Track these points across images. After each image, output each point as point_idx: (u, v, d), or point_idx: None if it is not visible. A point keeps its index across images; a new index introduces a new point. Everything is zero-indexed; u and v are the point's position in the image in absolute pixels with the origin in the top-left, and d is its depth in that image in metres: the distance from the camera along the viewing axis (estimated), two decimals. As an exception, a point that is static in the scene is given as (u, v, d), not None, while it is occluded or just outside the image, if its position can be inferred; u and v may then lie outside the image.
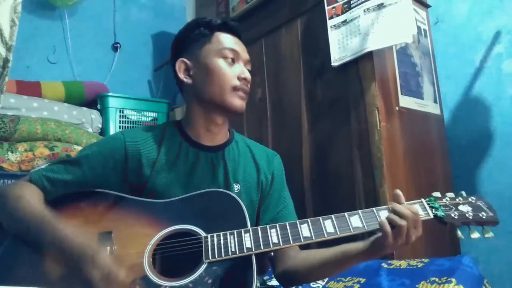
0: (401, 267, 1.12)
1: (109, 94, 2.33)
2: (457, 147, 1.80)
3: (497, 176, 1.68)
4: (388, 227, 0.78)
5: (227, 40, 0.98)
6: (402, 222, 0.78)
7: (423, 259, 1.13)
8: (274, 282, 1.23)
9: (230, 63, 0.97)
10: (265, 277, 1.26)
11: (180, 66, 0.99)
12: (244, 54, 1.00)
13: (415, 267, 1.10)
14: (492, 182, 1.69)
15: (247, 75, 0.97)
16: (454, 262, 1.04)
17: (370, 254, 0.84)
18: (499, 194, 1.62)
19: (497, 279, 1.59)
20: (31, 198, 0.87)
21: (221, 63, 0.96)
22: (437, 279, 0.96)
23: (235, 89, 0.95)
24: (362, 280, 1.10)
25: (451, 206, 0.85)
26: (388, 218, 0.80)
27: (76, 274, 0.75)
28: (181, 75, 0.99)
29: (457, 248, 1.68)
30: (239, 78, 0.96)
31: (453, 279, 0.93)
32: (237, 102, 0.96)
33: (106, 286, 0.73)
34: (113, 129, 2.27)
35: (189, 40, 1.00)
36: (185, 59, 0.99)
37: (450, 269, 1.00)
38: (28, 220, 0.83)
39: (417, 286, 0.97)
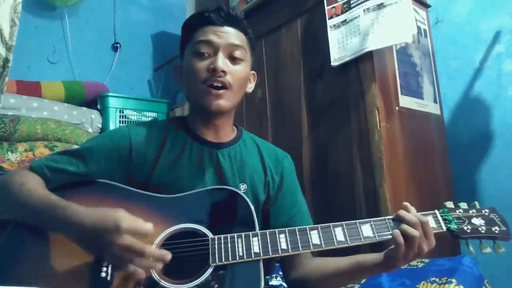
0: (401, 267, 1.12)
1: (109, 94, 2.33)
2: (457, 147, 1.80)
3: (497, 176, 1.68)
4: (401, 239, 0.76)
5: (200, 33, 0.92)
6: (414, 233, 0.76)
7: (423, 259, 1.13)
8: (274, 282, 1.23)
9: (205, 57, 0.91)
10: (266, 277, 1.26)
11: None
12: (224, 40, 0.91)
13: (415, 267, 1.10)
14: (492, 182, 1.69)
15: (216, 64, 0.88)
16: (454, 262, 1.04)
17: (385, 267, 0.83)
18: (499, 194, 1.62)
19: (497, 279, 1.59)
20: (34, 184, 0.85)
21: (193, 60, 0.92)
22: (437, 279, 0.96)
23: (204, 83, 0.90)
24: (362, 280, 1.10)
25: (464, 219, 0.83)
26: (400, 229, 0.78)
27: (101, 251, 0.73)
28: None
29: (457, 248, 1.68)
30: (208, 70, 0.89)
31: (454, 280, 0.93)
32: (210, 101, 0.90)
33: (139, 245, 0.72)
34: (113, 129, 2.27)
35: (182, 46, 1.00)
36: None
37: (450, 269, 1.00)
38: (34, 204, 0.81)
39: (417, 286, 0.97)
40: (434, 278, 0.97)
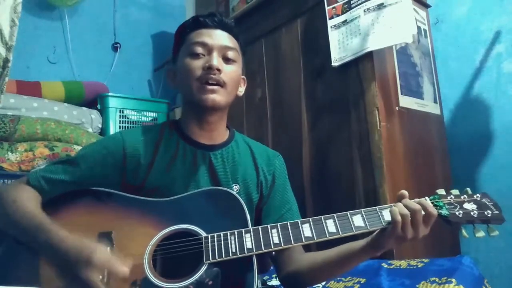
0: (401, 267, 1.12)
1: (109, 94, 2.33)
2: (457, 147, 1.80)
3: (497, 176, 1.68)
4: (399, 217, 0.77)
5: (195, 35, 0.96)
6: (406, 211, 0.77)
7: (423, 259, 1.13)
8: (274, 282, 1.23)
9: (200, 57, 0.94)
10: (265, 277, 1.26)
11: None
12: (217, 42, 0.95)
13: (415, 267, 1.10)
14: (492, 182, 1.69)
15: (212, 62, 0.92)
16: (454, 262, 1.04)
17: (372, 251, 0.83)
18: (499, 194, 1.60)
19: (497, 279, 1.59)
20: (26, 201, 0.86)
21: (187, 60, 0.94)
22: (437, 279, 0.96)
23: (200, 81, 0.92)
24: (362, 280, 1.10)
25: (456, 204, 0.83)
26: (398, 206, 0.78)
27: (73, 278, 0.74)
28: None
29: (457, 248, 1.68)
30: (203, 69, 0.92)
31: (453, 279, 0.93)
32: (205, 96, 0.92)
33: (105, 285, 0.72)
34: (113, 129, 2.27)
35: (176, 49, 1.02)
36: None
37: (450, 269, 1.00)
38: (23, 224, 0.83)
39: (417, 286, 0.97)
40: (434, 278, 0.97)
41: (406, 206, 0.78)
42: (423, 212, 0.78)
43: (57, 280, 0.78)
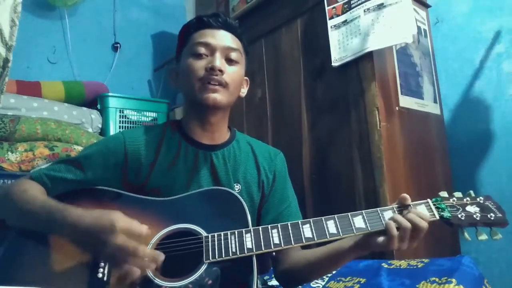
0: (401, 267, 1.12)
1: (109, 94, 2.33)
2: (457, 147, 1.80)
3: (497, 176, 1.68)
4: (394, 231, 0.77)
5: (198, 36, 0.96)
6: (408, 225, 0.77)
7: (423, 259, 1.13)
8: (274, 282, 1.23)
9: (202, 57, 0.94)
10: (265, 277, 1.26)
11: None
12: (221, 42, 0.95)
13: (415, 267, 1.10)
14: (492, 182, 1.69)
15: (214, 63, 0.92)
16: (454, 262, 1.04)
17: (360, 251, 0.84)
18: (499, 194, 1.62)
19: (497, 279, 1.59)
20: (36, 191, 0.88)
21: (190, 60, 0.95)
22: (437, 279, 0.96)
23: (202, 81, 0.92)
24: (362, 280, 1.10)
25: (458, 207, 0.82)
26: (393, 219, 0.78)
27: (101, 248, 0.74)
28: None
29: (457, 248, 1.68)
30: (206, 69, 0.93)
31: (453, 279, 0.93)
32: (206, 95, 0.92)
33: (133, 245, 0.73)
34: (113, 129, 2.27)
35: (179, 49, 1.03)
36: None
37: (450, 269, 1.00)
38: (37, 210, 0.83)
39: (417, 286, 0.97)
40: (434, 278, 0.97)
41: (408, 220, 0.78)
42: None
43: (73, 263, 0.79)
